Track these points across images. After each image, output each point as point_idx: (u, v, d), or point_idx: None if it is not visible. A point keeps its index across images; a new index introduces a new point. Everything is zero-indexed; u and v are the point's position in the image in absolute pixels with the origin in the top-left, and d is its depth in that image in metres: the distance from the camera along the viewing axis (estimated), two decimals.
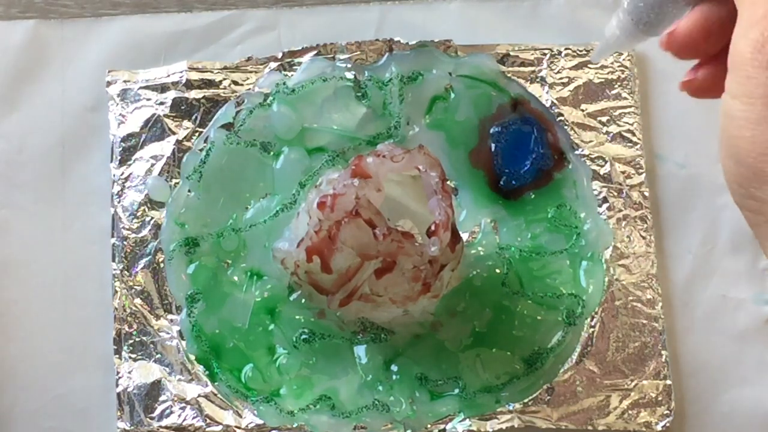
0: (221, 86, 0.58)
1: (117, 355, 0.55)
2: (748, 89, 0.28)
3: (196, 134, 0.58)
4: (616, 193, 0.57)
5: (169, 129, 0.58)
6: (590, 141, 0.58)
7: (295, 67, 0.58)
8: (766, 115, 0.28)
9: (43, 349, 0.56)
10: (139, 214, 0.57)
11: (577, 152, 0.58)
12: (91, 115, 0.59)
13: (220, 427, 0.54)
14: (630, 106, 0.58)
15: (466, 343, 0.55)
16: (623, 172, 0.57)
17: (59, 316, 0.57)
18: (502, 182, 0.57)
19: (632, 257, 0.57)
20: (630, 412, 0.55)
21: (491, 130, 0.57)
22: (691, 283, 0.57)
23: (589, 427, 0.54)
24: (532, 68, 0.59)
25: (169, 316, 0.56)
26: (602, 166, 0.57)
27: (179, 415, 0.54)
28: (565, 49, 0.59)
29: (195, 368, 0.55)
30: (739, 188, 0.29)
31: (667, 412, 0.55)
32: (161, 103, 0.58)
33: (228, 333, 0.55)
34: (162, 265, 0.56)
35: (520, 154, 0.57)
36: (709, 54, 0.30)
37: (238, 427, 0.54)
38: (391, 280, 0.49)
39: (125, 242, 0.56)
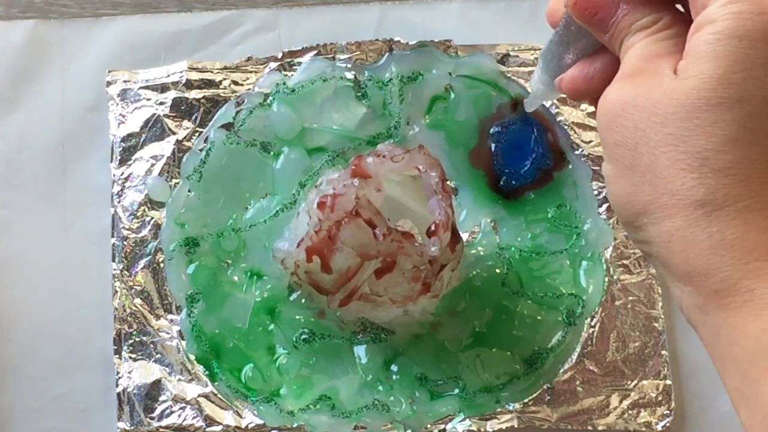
0: (221, 86, 0.58)
1: (117, 355, 0.55)
2: (606, 152, 0.34)
3: (196, 134, 0.58)
4: None
5: (169, 129, 0.58)
6: (590, 141, 0.58)
7: (295, 67, 0.58)
8: (622, 172, 0.33)
9: (43, 349, 0.56)
10: (139, 214, 0.57)
11: (577, 152, 0.58)
12: (91, 115, 0.59)
13: (220, 427, 0.54)
14: None
15: (466, 343, 0.55)
16: None
17: (59, 316, 0.57)
18: (502, 182, 0.57)
19: (632, 257, 0.57)
20: (630, 412, 0.55)
21: (491, 130, 0.57)
22: None
23: (589, 427, 0.54)
24: (532, 68, 0.58)
25: (169, 316, 0.56)
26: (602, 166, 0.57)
27: (179, 415, 0.54)
28: None
29: (195, 368, 0.55)
30: (626, 231, 0.35)
31: (667, 412, 0.55)
32: (161, 103, 0.58)
33: (228, 333, 0.55)
34: (162, 265, 0.56)
35: (520, 154, 0.57)
36: (596, 97, 0.35)
37: (238, 427, 0.54)
38: (391, 280, 0.49)
39: (125, 242, 0.56)
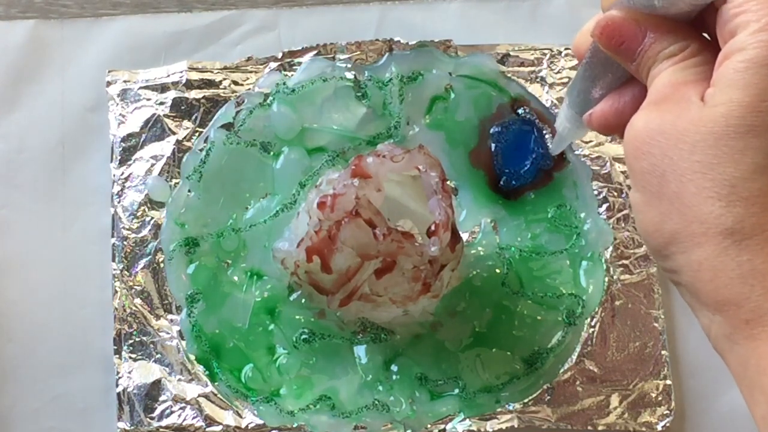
0: (221, 86, 0.58)
1: (117, 355, 0.55)
2: (633, 180, 0.34)
3: (196, 134, 0.58)
4: (616, 193, 0.57)
5: (169, 129, 0.58)
6: (590, 141, 0.58)
7: (295, 67, 0.58)
8: (649, 200, 0.33)
9: (43, 349, 0.56)
10: (139, 214, 0.57)
11: (577, 152, 0.58)
12: (91, 115, 0.59)
13: (220, 427, 0.54)
14: None
15: (466, 343, 0.55)
16: (623, 172, 0.57)
17: (59, 316, 0.57)
18: (502, 182, 0.57)
19: (632, 257, 0.57)
20: (630, 412, 0.55)
21: (491, 130, 0.57)
22: None
23: (589, 427, 0.54)
24: (532, 68, 0.59)
25: (169, 316, 0.56)
26: (602, 166, 0.57)
27: (179, 415, 0.54)
28: (565, 49, 0.59)
29: (195, 368, 0.55)
30: (654, 259, 0.35)
31: (667, 412, 0.55)
32: (161, 103, 0.58)
33: (228, 333, 0.55)
34: (162, 265, 0.56)
35: (520, 154, 0.57)
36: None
37: (238, 427, 0.54)
38: (391, 280, 0.49)
39: (125, 242, 0.56)
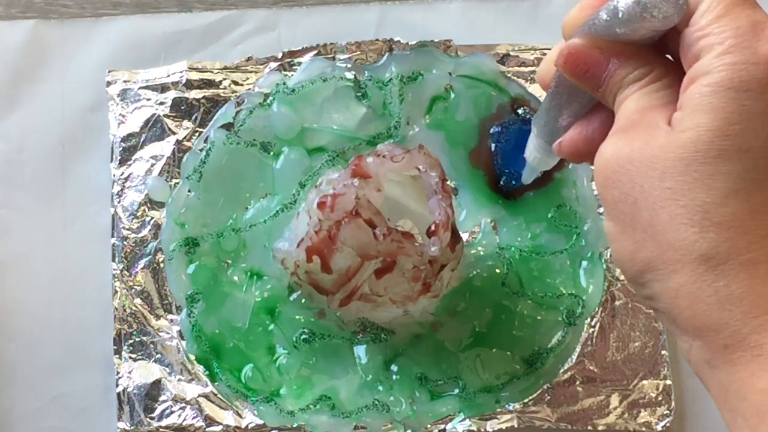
0: (221, 86, 0.58)
1: (117, 355, 0.55)
2: (606, 209, 0.34)
3: (196, 134, 0.58)
4: None
5: (169, 129, 0.58)
6: None
7: (295, 67, 0.58)
8: (623, 229, 0.33)
9: (43, 349, 0.56)
10: (139, 214, 0.57)
11: None
12: (91, 115, 0.59)
13: (220, 427, 0.54)
14: None
15: (466, 343, 0.55)
16: None
17: (59, 316, 0.57)
18: (502, 182, 0.57)
19: None
20: (630, 412, 0.55)
21: (491, 130, 0.57)
22: None
23: (589, 427, 0.54)
24: (532, 68, 0.59)
25: (169, 316, 0.56)
26: None
27: (179, 415, 0.54)
28: None
29: (195, 368, 0.55)
30: (632, 288, 0.35)
31: (667, 412, 0.55)
32: (161, 103, 0.58)
33: (228, 333, 0.55)
34: (162, 265, 0.56)
35: (520, 154, 0.57)
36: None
37: (238, 427, 0.54)
38: (391, 280, 0.49)
39: (125, 242, 0.56)
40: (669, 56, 0.34)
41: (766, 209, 0.30)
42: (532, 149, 0.41)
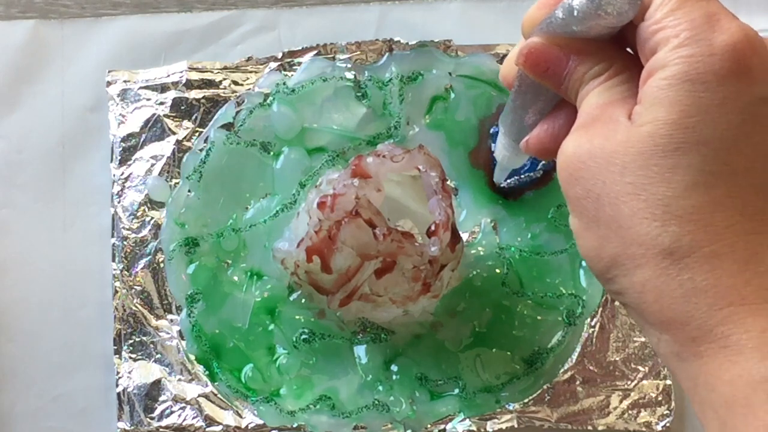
0: (221, 86, 0.58)
1: (117, 355, 0.55)
2: (570, 206, 0.34)
3: (196, 134, 0.58)
4: None
5: (169, 129, 0.58)
6: None
7: (295, 67, 0.58)
8: (587, 225, 0.33)
9: (43, 349, 0.56)
10: (139, 214, 0.57)
11: None
12: (91, 115, 0.59)
13: (220, 427, 0.54)
14: None
15: (466, 343, 0.55)
16: None
17: (59, 316, 0.57)
18: (502, 182, 0.57)
19: None
20: (630, 412, 0.55)
21: (491, 130, 0.57)
22: None
23: (589, 427, 0.55)
24: None
25: (169, 316, 0.56)
26: None
27: (179, 415, 0.54)
28: None
29: (195, 368, 0.55)
30: (600, 283, 0.34)
31: (667, 412, 0.55)
32: (161, 103, 0.58)
33: (228, 333, 0.55)
34: (162, 265, 0.56)
35: None
36: None
37: (238, 427, 0.54)
38: (391, 280, 0.49)
39: (125, 242, 0.56)
40: (629, 50, 0.34)
41: (727, 201, 0.30)
42: (500, 148, 0.41)
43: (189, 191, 0.56)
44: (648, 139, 0.31)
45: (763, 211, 0.31)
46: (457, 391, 0.54)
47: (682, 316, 0.31)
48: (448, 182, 0.52)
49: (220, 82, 0.58)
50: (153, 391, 0.55)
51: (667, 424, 0.55)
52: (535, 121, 0.37)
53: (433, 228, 0.49)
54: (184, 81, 0.58)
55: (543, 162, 0.57)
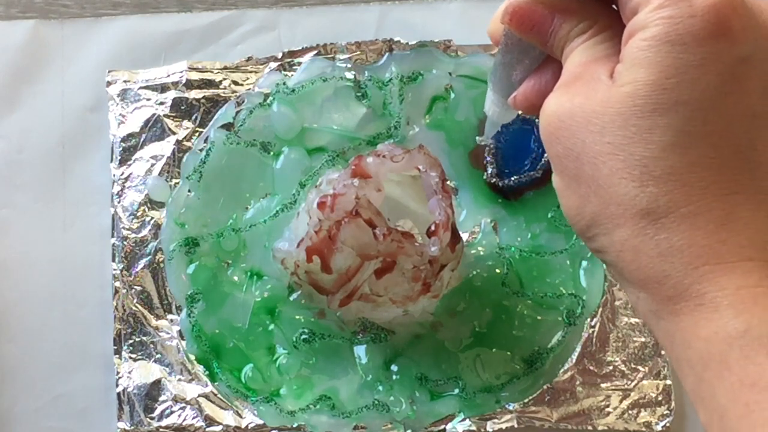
0: (221, 86, 0.58)
1: (117, 355, 0.55)
2: (553, 164, 0.34)
3: (196, 134, 0.58)
4: None
5: (169, 129, 0.58)
6: None
7: (295, 67, 0.58)
8: (568, 184, 0.34)
9: (43, 349, 0.56)
10: (139, 214, 0.57)
11: None
12: (91, 115, 0.59)
13: (220, 427, 0.54)
14: None
15: (466, 343, 0.55)
16: None
17: (59, 316, 0.57)
18: (502, 182, 0.57)
19: None
20: (630, 412, 0.55)
21: None
22: None
23: (589, 427, 0.55)
24: None
25: (169, 316, 0.56)
26: None
27: (179, 415, 0.54)
28: None
29: (195, 368, 0.55)
30: (583, 241, 0.35)
31: (667, 412, 0.55)
32: (161, 103, 0.58)
33: (228, 333, 0.55)
34: (162, 265, 0.56)
35: (520, 154, 0.57)
36: None
37: (238, 427, 0.54)
38: (391, 280, 0.49)
39: (125, 242, 0.56)
40: (615, 6, 0.34)
41: (705, 162, 0.30)
42: (489, 104, 0.41)
43: (189, 191, 0.56)
44: (627, 100, 0.31)
45: (741, 171, 0.31)
46: (457, 391, 0.54)
47: (659, 275, 0.31)
48: (448, 182, 0.52)
49: (220, 82, 0.58)
50: (153, 391, 0.55)
51: (667, 424, 0.55)
52: (523, 78, 0.37)
53: (433, 228, 0.49)
54: (184, 81, 0.58)
55: (543, 162, 0.57)
